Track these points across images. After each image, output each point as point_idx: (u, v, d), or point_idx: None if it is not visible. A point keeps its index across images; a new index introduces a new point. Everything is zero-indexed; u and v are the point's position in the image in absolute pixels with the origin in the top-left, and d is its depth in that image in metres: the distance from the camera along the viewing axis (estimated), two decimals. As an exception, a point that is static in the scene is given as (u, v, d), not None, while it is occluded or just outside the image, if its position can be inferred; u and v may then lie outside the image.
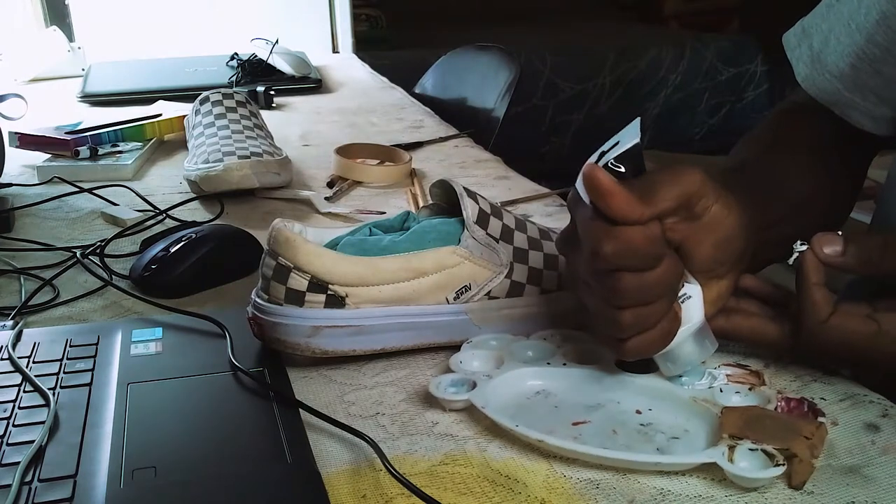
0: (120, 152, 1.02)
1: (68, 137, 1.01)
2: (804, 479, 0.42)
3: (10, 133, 1.02)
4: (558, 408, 0.49)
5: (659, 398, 0.49)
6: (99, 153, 1.01)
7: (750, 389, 0.49)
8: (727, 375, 0.50)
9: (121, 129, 1.06)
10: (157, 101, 1.27)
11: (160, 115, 1.12)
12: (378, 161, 1.01)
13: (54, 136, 1.02)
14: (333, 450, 0.46)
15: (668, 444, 0.45)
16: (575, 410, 0.48)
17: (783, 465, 0.41)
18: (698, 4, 3.52)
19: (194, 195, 0.88)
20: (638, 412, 0.48)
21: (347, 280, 0.52)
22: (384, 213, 0.85)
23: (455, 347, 0.56)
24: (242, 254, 0.69)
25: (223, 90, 1.00)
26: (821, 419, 0.45)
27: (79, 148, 0.99)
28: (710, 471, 0.43)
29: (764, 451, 0.42)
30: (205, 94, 0.99)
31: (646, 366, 0.51)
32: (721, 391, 0.48)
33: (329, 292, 0.52)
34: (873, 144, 0.71)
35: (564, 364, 0.52)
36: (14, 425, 0.46)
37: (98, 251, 0.73)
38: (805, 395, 0.50)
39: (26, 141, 1.04)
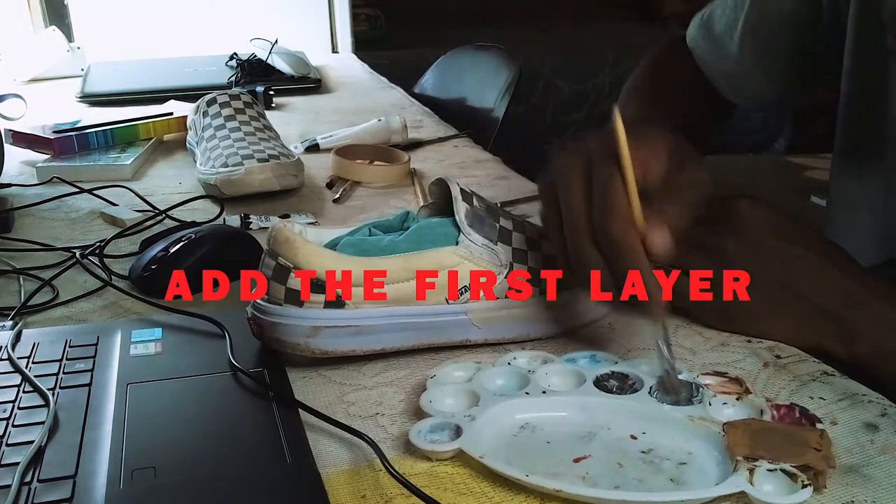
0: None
1: (52, 136, 1.01)
2: (824, 484, 0.42)
3: (4, 130, 1.03)
4: (551, 443, 0.46)
5: (649, 419, 0.47)
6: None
7: (737, 399, 0.48)
8: (707, 385, 0.49)
9: (110, 129, 1.05)
10: (158, 101, 1.27)
11: (171, 113, 1.12)
12: (377, 162, 1.01)
13: (40, 135, 1.02)
14: (333, 450, 0.46)
15: (679, 472, 0.43)
16: (569, 444, 0.46)
17: (810, 484, 0.41)
18: (698, 4, 3.52)
19: (195, 196, 0.88)
20: (633, 437, 0.46)
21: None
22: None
23: (455, 347, 0.56)
24: (242, 254, 0.69)
25: (230, 92, 1.00)
26: (819, 425, 0.45)
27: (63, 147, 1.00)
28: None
29: (783, 471, 0.42)
30: (211, 95, 0.99)
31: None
32: (710, 405, 0.47)
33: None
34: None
35: (543, 392, 0.49)
36: (13, 426, 0.46)
37: (97, 251, 0.73)
38: (805, 394, 0.50)
39: (17, 138, 1.05)
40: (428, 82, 1.75)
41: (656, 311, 0.49)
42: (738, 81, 0.81)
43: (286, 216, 0.83)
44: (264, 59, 1.53)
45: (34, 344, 0.56)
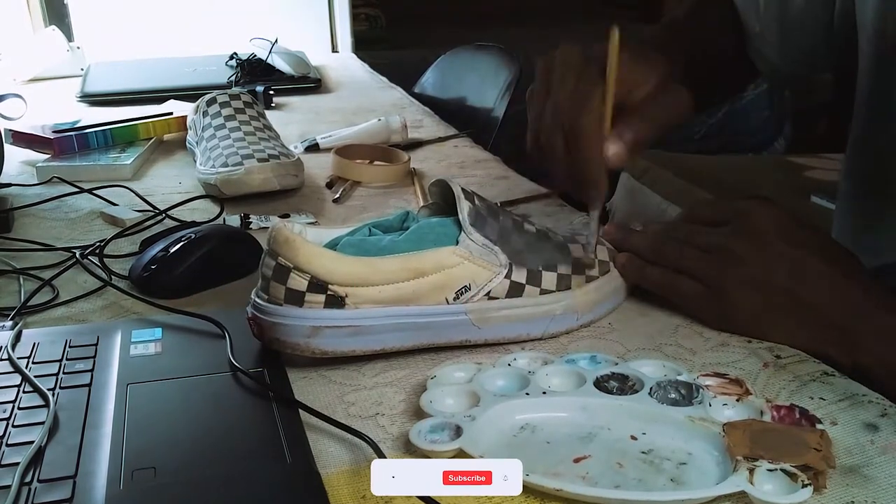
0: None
1: (52, 136, 1.01)
2: (824, 484, 0.42)
3: (4, 130, 1.03)
4: (551, 443, 0.46)
5: (649, 420, 0.47)
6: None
7: (738, 400, 0.48)
8: (707, 386, 0.49)
9: (110, 129, 1.05)
10: (158, 101, 1.27)
11: (171, 113, 1.12)
12: (377, 162, 1.02)
13: (40, 135, 1.02)
14: (333, 450, 0.46)
15: (679, 472, 0.43)
16: (569, 445, 0.46)
17: (810, 484, 0.41)
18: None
19: (195, 196, 0.88)
20: (633, 438, 0.46)
21: (347, 280, 0.52)
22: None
23: (455, 347, 0.56)
24: (242, 254, 0.69)
25: (230, 91, 1.00)
26: (819, 426, 0.45)
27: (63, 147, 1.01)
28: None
29: (783, 471, 0.42)
30: (211, 95, 0.98)
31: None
32: (710, 406, 0.47)
33: (329, 292, 0.52)
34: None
35: (544, 393, 0.49)
36: (14, 426, 0.46)
37: (97, 251, 0.73)
38: (805, 394, 0.50)
39: (17, 138, 1.05)
40: (428, 82, 1.75)
41: (597, 199, 0.60)
42: (758, 43, 0.79)
43: (286, 216, 0.83)
44: (264, 58, 1.53)
45: (34, 344, 0.56)
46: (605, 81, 0.57)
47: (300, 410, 0.48)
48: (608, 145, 0.57)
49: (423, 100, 1.49)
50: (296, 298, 0.52)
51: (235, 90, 1.03)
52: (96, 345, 0.56)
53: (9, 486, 0.41)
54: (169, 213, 0.83)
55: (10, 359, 0.53)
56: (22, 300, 0.64)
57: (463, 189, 0.57)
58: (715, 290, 0.58)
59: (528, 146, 0.61)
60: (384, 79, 1.66)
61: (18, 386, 0.50)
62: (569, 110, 0.57)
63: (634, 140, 0.58)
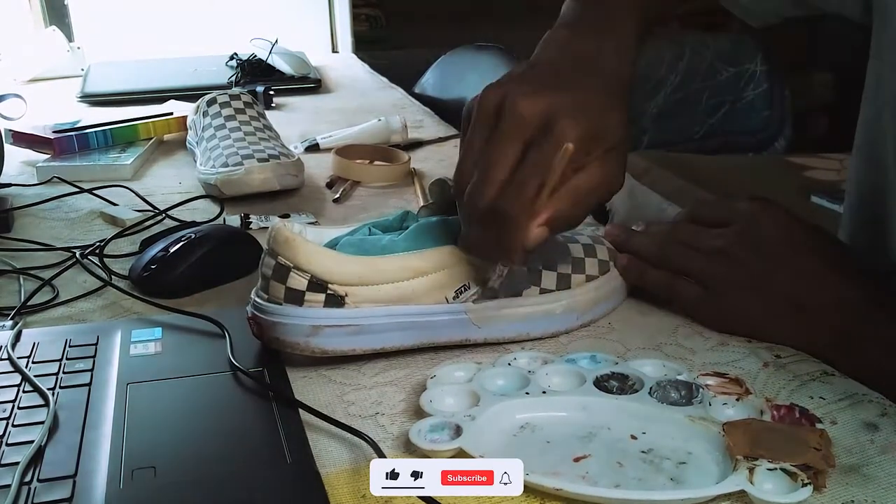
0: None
1: (53, 136, 1.01)
2: (824, 484, 0.42)
3: (5, 130, 1.03)
4: (551, 443, 0.46)
5: (649, 419, 0.47)
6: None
7: (737, 400, 0.48)
8: (707, 385, 0.49)
9: (110, 129, 1.05)
10: (158, 101, 1.27)
11: (171, 113, 1.12)
12: (377, 162, 1.02)
13: (40, 135, 1.02)
14: (333, 450, 0.46)
15: (679, 472, 0.43)
16: (569, 444, 0.46)
17: (810, 483, 0.41)
18: (698, 4, 3.52)
19: (195, 196, 0.88)
20: (633, 437, 0.46)
21: (347, 279, 0.52)
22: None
23: (455, 347, 0.56)
24: (242, 254, 0.69)
25: (230, 92, 1.00)
26: (819, 425, 0.45)
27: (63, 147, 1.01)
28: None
29: (783, 470, 0.42)
30: (211, 95, 0.99)
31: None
32: (710, 405, 0.47)
33: (328, 292, 0.52)
34: None
35: (544, 392, 0.49)
36: (13, 425, 0.46)
37: (97, 251, 0.73)
38: (805, 394, 0.50)
39: (17, 138, 1.05)
40: (428, 82, 1.74)
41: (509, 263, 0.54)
42: None
43: (286, 216, 0.83)
44: (264, 59, 1.53)
45: (34, 344, 0.56)
46: (546, 179, 0.50)
47: (300, 410, 0.48)
48: (534, 228, 0.51)
49: (423, 100, 1.49)
50: (296, 298, 0.52)
51: (235, 90, 1.03)
52: (96, 344, 0.56)
53: (9, 486, 0.41)
54: (169, 213, 0.83)
55: (10, 358, 0.53)
56: (22, 300, 0.64)
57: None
58: (715, 292, 0.58)
59: (453, 192, 0.54)
60: (384, 79, 1.66)
61: (18, 385, 0.50)
62: (504, 194, 0.50)
63: (562, 223, 0.53)
